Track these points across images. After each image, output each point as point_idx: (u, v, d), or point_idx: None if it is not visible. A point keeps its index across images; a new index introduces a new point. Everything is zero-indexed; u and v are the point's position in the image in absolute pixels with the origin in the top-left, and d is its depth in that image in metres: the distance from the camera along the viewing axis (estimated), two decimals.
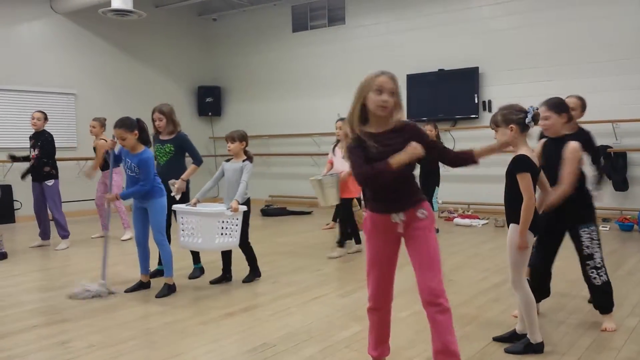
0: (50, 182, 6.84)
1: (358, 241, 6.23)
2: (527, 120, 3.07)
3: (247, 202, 4.85)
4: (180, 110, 12.04)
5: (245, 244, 4.98)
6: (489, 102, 9.43)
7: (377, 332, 2.89)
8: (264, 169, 11.17)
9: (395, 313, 3.97)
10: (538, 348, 3.19)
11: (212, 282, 5.00)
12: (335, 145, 6.11)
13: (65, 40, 10.31)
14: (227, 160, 4.98)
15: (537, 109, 3.16)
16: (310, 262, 5.87)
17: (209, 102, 12.55)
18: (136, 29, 11.20)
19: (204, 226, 4.54)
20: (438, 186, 7.33)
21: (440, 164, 7.78)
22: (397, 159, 2.51)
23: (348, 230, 6.25)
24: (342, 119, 5.87)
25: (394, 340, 3.47)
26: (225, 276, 5.05)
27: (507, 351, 3.22)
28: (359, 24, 10.88)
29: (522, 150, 3.12)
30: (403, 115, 2.67)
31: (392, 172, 2.52)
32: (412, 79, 9.81)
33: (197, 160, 5.35)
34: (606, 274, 3.62)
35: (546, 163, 3.42)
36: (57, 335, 3.67)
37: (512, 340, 3.35)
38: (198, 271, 5.30)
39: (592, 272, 3.58)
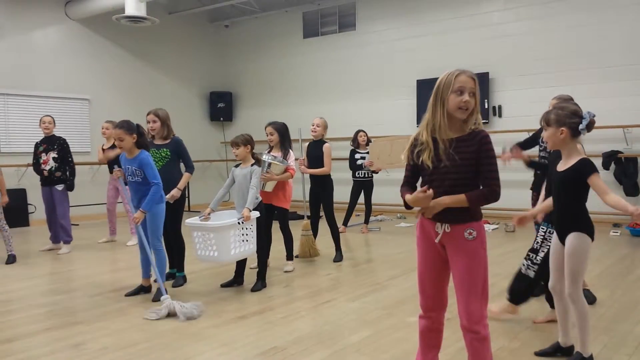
0: (60, 187, 6.92)
1: (290, 257, 5.77)
2: (580, 127, 2.93)
3: (259, 206, 4.87)
4: (192, 115, 12.28)
5: (261, 247, 4.94)
6: (499, 107, 9.43)
7: (424, 340, 2.74)
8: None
9: (403, 317, 4.02)
10: None
11: (223, 286, 5.03)
12: (268, 151, 5.64)
13: (80, 46, 10.43)
14: (237, 166, 4.98)
15: (594, 116, 3.00)
16: (320, 266, 5.89)
17: (221, 108, 12.63)
18: (149, 35, 11.31)
19: (218, 239, 4.51)
20: None
21: None
22: (412, 200, 2.46)
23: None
24: (271, 123, 5.62)
25: (402, 345, 3.49)
26: (237, 280, 5.08)
27: None
28: (369, 29, 10.92)
29: (579, 155, 2.99)
30: (479, 120, 2.53)
31: (406, 204, 2.51)
32: (422, 84, 9.81)
33: (190, 168, 5.28)
34: (536, 273, 3.71)
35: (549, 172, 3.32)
36: (71, 338, 3.72)
37: (555, 354, 3.24)
38: (181, 279, 5.17)
39: (526, 261, 3.74)
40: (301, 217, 6.54)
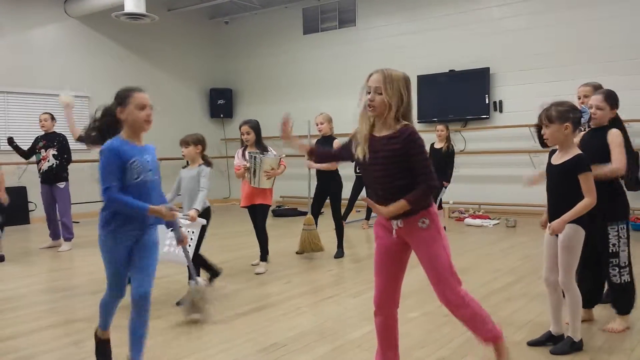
0: (62, 185, 6.90)
1: (264, 257, 5.55)
2: (583, 120, 3.04)
3: (207, 212, 4.48)
4: (192, 112, 12.27)
5: (196, 256, 4.39)
6: (500, 102, 9.41)
7: (381, 338, 2.82)
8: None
9: (405, 313, 4.00)
10: (580, 346, 3.21)
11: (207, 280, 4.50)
12: (243, 150, 5.48)
13: (79, 44, 10.42)
14: (185, 167, 4.66)
15: (592, 108, 3.14)
16: (321, 262, 5.89)
17: (221, 104, 12.62)
18: (149, 32, 11.28)
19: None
20: (445, 187, 7.30)
21: (453, 161, 7.45)
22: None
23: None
24: (246, 122, 5.45)
25: (404, 340, 3.47)
26: (214, 273, 4.60)
27: (553, 353, 3.18)
28: (369, 25, 10.90)
29: (576, 150, 3.09)
30: (408, 117, 2.56)
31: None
32: (423, 79, 9.80)
33: None
34: (630, 274, 3.56)
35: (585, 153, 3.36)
36: (71, 335, 3.72)
37: (546, 343, 3.30)
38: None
39: (614, 270, 3.53)
40: (304, 214, 6.47)
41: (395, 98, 2.50)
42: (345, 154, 2.81)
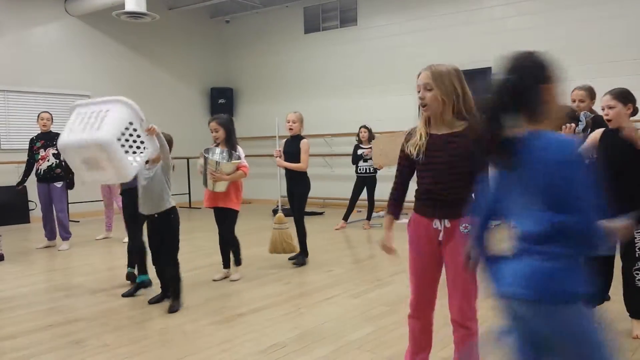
0: (59, 184, 6.90)
1: (238, 262, 5.25)
2: (577, 129, 3.04)
3: (174, 213, 4.31)
4: (193, 111, 12.25)
5: (174, 263, 4.34)
6: None
7: (415, 341, 2.72)
8: (276, 170, 11.23)
9: (406, 314, 3.98)
10: None
11: (151, 302, 4.44)
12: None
13: (80, 43, 10.41)
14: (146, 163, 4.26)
15: (591, 117, 3.09)
16: (321, 263, 5.87)
17: (222, 104, 12.59)
18: (149, 31, 11.27)
19: (111, 116, 3.70)
20: None
21: None
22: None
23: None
24: (215, 118, 5.16)
25: (403, 340, 3.44)
26: (166, 295, 4.43)
27: None
28: (371, 24, 10.88)
29: None
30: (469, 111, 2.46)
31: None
32: None
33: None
34: None
35: (605, 155, 3.24)
36: (72, 335, 3.71)
37: None
38: (134, 288, 4.69)
39: (638, 274, 3.49)
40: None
41: (448, 92, 2.43)
42: (410, 168, 2.61)
